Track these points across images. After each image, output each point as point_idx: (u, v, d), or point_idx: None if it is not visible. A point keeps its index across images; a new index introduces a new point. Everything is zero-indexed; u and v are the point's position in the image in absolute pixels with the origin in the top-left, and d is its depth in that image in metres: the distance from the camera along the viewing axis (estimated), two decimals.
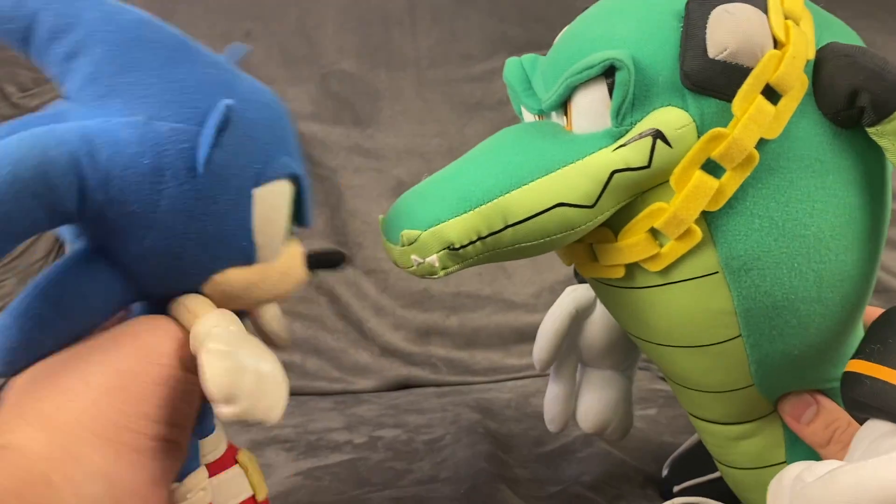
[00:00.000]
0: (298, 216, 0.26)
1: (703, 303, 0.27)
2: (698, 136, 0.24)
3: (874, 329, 0.25)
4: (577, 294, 0.38)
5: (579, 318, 0.38)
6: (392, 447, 0.52)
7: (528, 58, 0.30)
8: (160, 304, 0.24)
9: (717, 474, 0.37)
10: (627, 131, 0.25)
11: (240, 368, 0.20)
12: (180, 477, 0.25)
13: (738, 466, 0.33)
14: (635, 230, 0.26)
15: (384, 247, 0.26)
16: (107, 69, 0.21)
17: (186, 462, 0.25)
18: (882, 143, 0.24)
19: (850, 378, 0.24)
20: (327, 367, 0.74)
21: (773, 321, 0.26)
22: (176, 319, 0.23)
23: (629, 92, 0.24)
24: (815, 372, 0.29)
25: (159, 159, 0.21)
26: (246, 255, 0.24)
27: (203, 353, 0.20)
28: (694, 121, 0.24)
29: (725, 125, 0.24)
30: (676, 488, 0.40)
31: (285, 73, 0.83)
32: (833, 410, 0.29)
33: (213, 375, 0.19)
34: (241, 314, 0.27)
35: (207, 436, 0.27)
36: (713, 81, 0.24)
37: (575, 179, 0.25)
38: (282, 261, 0.25)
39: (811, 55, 0.25)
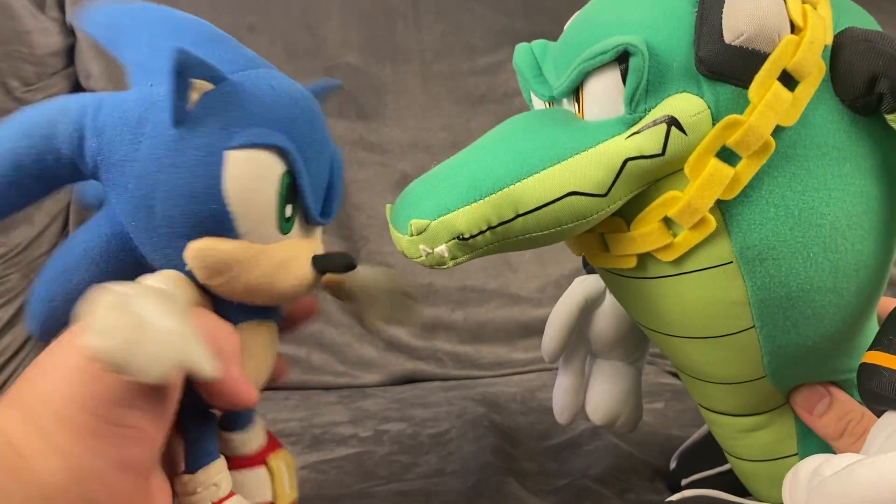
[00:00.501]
0: (305, 208, 0.25)
1: (717, 293, 0.26)
2: (713, 123, 0.24)
3: (893, 320, 0.24)
4: (586, 284, 0.38)
5: (589, 308, 0.38)
6: (398, 441, 0.52)
7: (538, 44, 0.29)
8: None
9: (725, 467, 0.37)
10: (641, 118, 0.24)
11: (123, 308, 0.19)
12: (193, 469, 0.25)
13: (749, 458, 0.33)
14: (648, 219, 0.26)
15: (392, 236, 0.26)
16: (142, 54, 0.25)
17: (199, 455, 0.25)
18: None
19: (868, 369, 0.23)
20: (332, 362, 0.74)
21: (787, 312, 0.26)
22: None
23: (643, 78, 0.24)
24: (828, 363, 0.29)
25: (146, 112, 0.23)
26: (220, 221, 0.23)
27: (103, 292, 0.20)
28: (709, 107, 0.24)
29: (741, 112, 0.24)
30: (685, 481, 0.40)
31: (289, 67, 0.82)
32: (846, 402, 0.29)
33: (93, 307, 0.19)
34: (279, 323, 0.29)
35: (238, 431, 0.27)
36: (729, 67, 0.23)
37: (587, 168, 0.24)
38: (280, 249, 0.25)
39: (829, 40, 0.24)
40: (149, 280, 0.22)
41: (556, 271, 0.79)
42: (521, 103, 0.28)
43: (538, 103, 0.29)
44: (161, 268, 0.24)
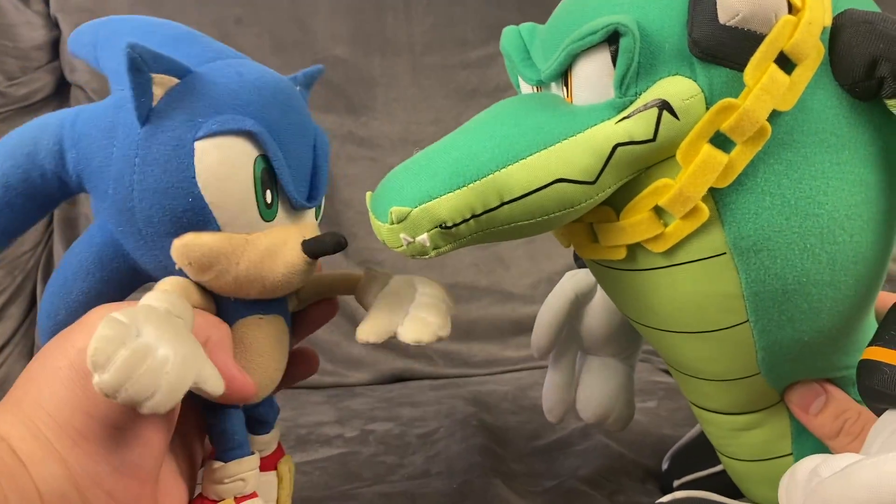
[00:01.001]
0: (286, 192, 0.25)
1: (709, 286, 0.25)
2: (707, 108, 0.23)
3: (893, 315, 0.23)
4: (576, 279, 0.37)
5: (579, 303, 0.37)
6: (384, 441, 0.51)
7: (526, 26, 0.28)
8: None
9: (718, 468, 0.36)
10: (631, 102, 0.23)
11: (121, 340, 0.19)
12: (226, 458, 0.25)
13: (742, 458, 0.32)
14: (638, 208, 0.25)
15: (372, 225, 0.25)
16: (116, 62, 0.24)
17: (231, 445, 0.25)
18: None
19: (868, 366, 0.23)
20: (320, 360, 0.73)
21: (782, 306, 0.25)
22: None
23: (634, 60, 0.23)
24: (824, 360, 0.28)
25: (116, 116, 0.23)
26: (198, 215, 0.23)
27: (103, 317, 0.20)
28: (702, 91, 0.23)
29: (736, 96, 0.23)
30: (677, 482, 0.39)
31: (277, 60, 0.81)
32: (843, 400, 0.28)
33: (93, 338, 0.19)
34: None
35: (262, 434, 0.28)
36: (724, 49, 0.22)
37: (575, 154, 0.23)
38: (265, 237, 0.24)
39: (828, 22, 0.23)
40: (150, 299, 0.22)
41: (549, 268, 0.78)
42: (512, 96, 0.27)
43: (526, 88, 0.28)
44: (153, 270, 0.24)
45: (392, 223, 0.23)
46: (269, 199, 0.24)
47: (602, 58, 0.24)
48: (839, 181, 0.24)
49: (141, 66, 0.22)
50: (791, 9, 0.23)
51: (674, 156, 0.24)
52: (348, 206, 0.79)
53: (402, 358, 0.73)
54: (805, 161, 0.24)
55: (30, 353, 0.77)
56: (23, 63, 0.79)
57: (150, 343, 0.19)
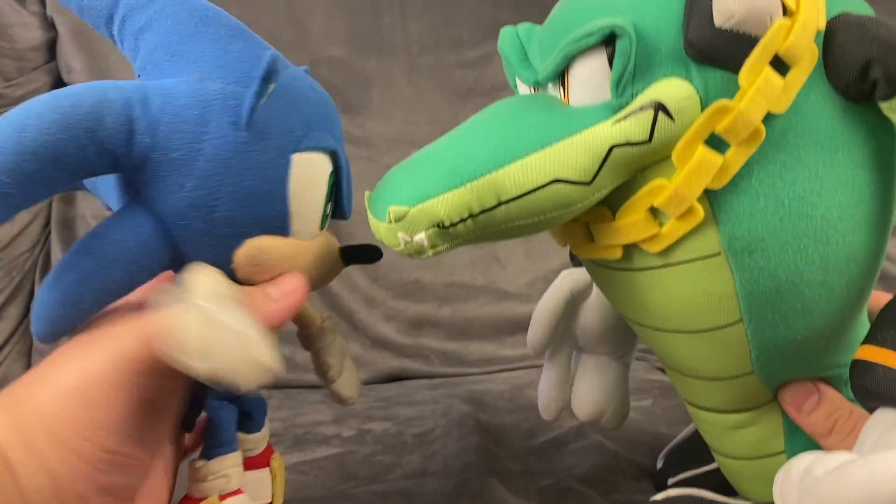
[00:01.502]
0: (337, 204, 0.27)
1: (704, 286, 0.26)
2: (702, 109, 0.23)
3: (886, 314, 0.24)
4: (572, 277, 0.37)
5: (575, 301, 0.37)
6: (381, 440, 0.51)
7: (524, 27, 0.28)
8: None
9: (713, 466, 0.36)
10: (628, 104, 0.24)
11: (219, 325, 0.19)
12: (208, 456, 0.26)
13: (736, 456, 0.32)
14: (634, 209, 0.25)
15: (371, 224, 0.25)
16: (170, 39, 0.23)
17: (217, 444, 0.26)
18: (895, 118, 0.23)
19: (861, 366, 0.23)
20: None
21: (776, 305, 0.25)
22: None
23: (630, 62, 0.23)
24: (817, 359, 0.28)
25: (206, 112, 0.22)
26: (279, 221, 0.24)
27: (181, 306, 0.20)
28: (698, 93, 0.23)
29: (731, 98, 0.23)
30: (671, 480, 0.39)
31: None
32: (835, 399, 0.28)
33: (186, 325, 0.19)
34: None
35: (254, 432, 0.29)
36: (719, 51, 0.23)
37: (571, 154, 0.23)
38: (317, 243, 0.26)
39: (822, 25, 0.24)
40: (203, 283, 0.22)
41: (545, 266, 0.78)
42: (509, 97, 0.28)
43: (523, 89, 0.28)
44: (200, 263, 0.24)
45: (390, 222, 0.24)
46: (328, 211, 0.26)
47: (599, 59, 0.24)
48: (833, 183, 0.24)
49: (272, 76, 0.22)
50: (786, 11, 0.23)
51: (669, 157, 0.24)
52: None
53: (399, 357, 0.73)
54: (799, 163, 0.24)
55: (28, 353, 0.77)
56: (19, 64, 0.79)
57: (239, 326, 0.20)
